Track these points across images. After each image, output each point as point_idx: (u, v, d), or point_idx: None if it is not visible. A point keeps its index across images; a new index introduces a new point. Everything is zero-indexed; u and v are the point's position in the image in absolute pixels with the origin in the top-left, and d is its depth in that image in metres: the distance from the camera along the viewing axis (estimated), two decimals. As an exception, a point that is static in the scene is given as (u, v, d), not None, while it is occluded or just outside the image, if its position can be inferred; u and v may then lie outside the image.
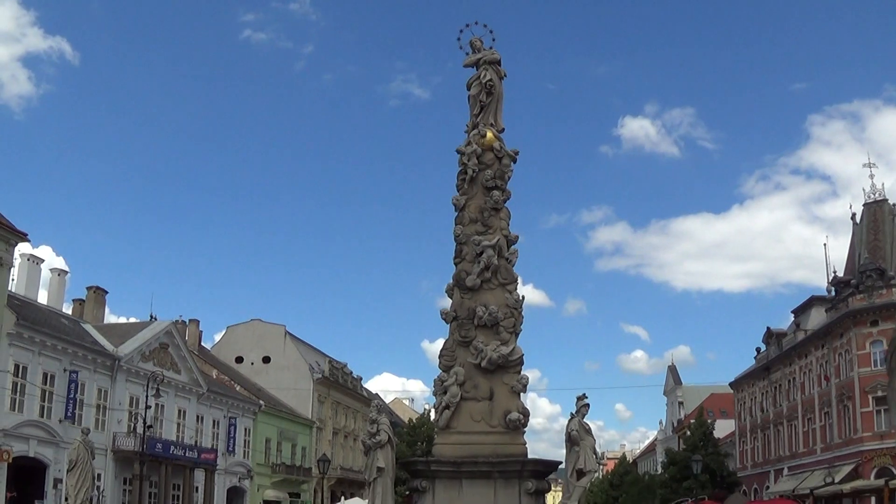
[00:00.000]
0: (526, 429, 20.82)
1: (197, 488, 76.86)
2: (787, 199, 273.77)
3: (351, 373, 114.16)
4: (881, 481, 60.24)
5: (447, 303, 21.90)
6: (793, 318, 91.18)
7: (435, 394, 21.11)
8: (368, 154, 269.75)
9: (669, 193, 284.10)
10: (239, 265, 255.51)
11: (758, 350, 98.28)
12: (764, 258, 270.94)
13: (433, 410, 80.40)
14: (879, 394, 69.49)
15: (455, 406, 20.56)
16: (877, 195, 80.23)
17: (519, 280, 21.84)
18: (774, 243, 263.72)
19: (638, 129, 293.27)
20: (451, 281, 21.82)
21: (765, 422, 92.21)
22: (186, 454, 73.23)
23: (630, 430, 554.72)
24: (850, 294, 73.73)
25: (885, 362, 69.09)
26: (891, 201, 79.40)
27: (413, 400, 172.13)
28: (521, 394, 20.91)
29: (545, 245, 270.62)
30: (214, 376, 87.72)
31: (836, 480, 68.12)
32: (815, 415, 79.33)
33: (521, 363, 21.00)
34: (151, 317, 78.61)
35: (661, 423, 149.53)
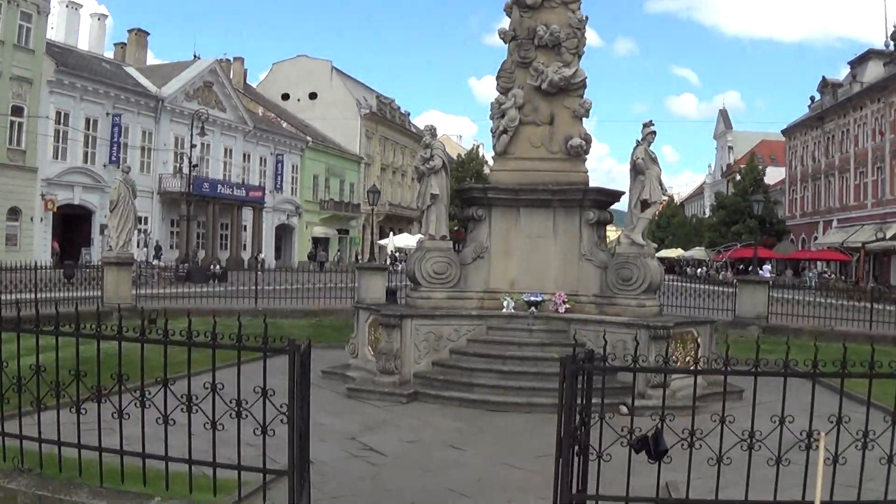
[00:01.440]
0: (587, 156, 19.70)
1: (245, 227, 77.53)
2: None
3: (399, 108, 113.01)
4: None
5: (493, 38, 20.57)
6: (849, 70, 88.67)
7: (492, 118, 19.89)
8: None
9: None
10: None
11: (812, 99, 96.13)
12: (818, 8, 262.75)
13: (481, 147, 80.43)
14: (935, 153, 68.18)
15: (513, 130, 19.40)
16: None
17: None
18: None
19: None
20: (510, -1, 20.26)
21: (816, 172, 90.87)
22: (234, 193, 73.42)
23: (677, 174, 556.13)
24: (910, 50, 71.33)
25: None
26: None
27: (461, 137, 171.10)
28: (584, 119, 19.69)
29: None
30: (260, 114, 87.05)
31: (888, 236, 67.54)
32: (868, 169, 77.98)
33: (584, 86, 19.66)
34: (195, 56, 77.50)
35: (709, 167, 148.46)
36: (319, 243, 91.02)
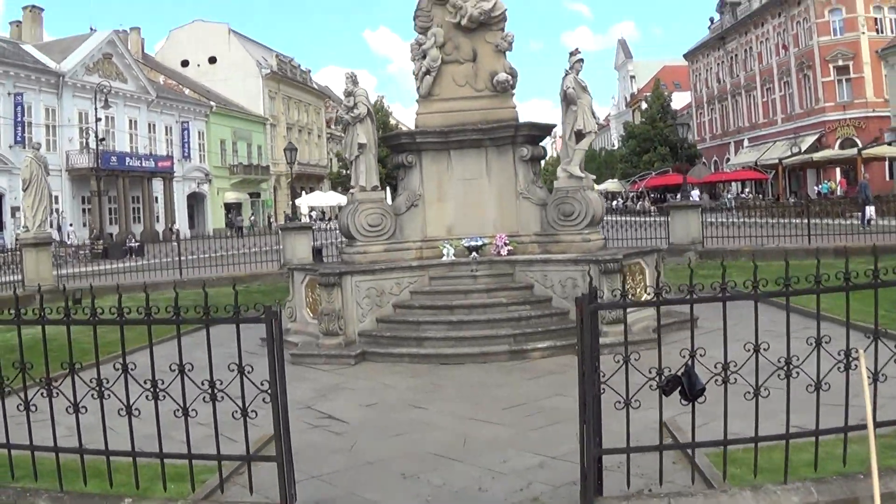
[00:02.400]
0: (514, 91, 19.01)
1: (156, 198, 76.09)
2: None
3: (299, 66, 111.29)
4: (853, 151, 60.10)
5: None
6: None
7: (413, 59, 19.08)
8: None
9: None
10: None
11: (711, 20, 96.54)
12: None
13: (384, 99, 79.86)
14: (840, 63, 68.87)
15: (436, 71, 18.63)
16: None
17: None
18: None
19: None
20: (419, -67, 19.40)
21: (722, 93, 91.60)
22: (142, 164, 72.11)
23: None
24: (807, -39, 71.76)
25: (843, 31, 68.33)
26: None
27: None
28: (507, 53, 18.98)
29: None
30: (162, 82, 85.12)
31: (802, 150, 68.21)
32: (775, 85, 78.76)
33: (505, 19, 18.93)
34: (91, 29, 75.61)
35: (613, 98, 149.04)
36: (232, 208, 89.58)
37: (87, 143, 64.02)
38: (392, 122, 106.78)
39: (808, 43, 71.39)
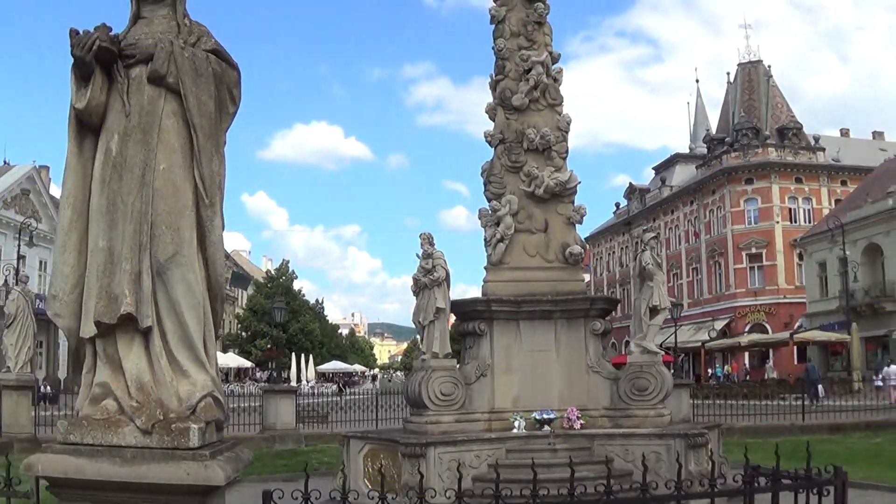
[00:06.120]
0: (583, 264, 18.90)
1: (59, 345, 73.13)
2: (611, 61, 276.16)
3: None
4: (785, 334, 61.79)
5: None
6: (654, 174, 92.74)
7: (485, 226, 18.81)
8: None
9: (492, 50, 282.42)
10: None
11: (617, 206, 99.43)
12: (586, 118, 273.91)
13: (289, 263, 78.93)
14: (753, 251, 71.44)
15: (509, 239, 18.42)
16: (751, 56, 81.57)
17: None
18: (597, 102, 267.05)
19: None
20: (494, 100, 19.47)
21: (624, 277, 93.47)
22: (51, 309, 69.13)
23: (452, 288, 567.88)
24: (725, 151, 75.04)
25: (758, 220, 71.50)
26: (765, 63, 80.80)
27: (249, 252, 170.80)
28: (578, 225, 18.93)
29: (368, 98, 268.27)
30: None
31: (710, 337, 70.19)
32: (682, 270, 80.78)
33: (576, 192, 18.98)
34: (5, 162, 73.19)
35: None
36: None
37: (5, 281, 61.63)
38: (296, 286, 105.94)
39: (721, 231, 73.85)
